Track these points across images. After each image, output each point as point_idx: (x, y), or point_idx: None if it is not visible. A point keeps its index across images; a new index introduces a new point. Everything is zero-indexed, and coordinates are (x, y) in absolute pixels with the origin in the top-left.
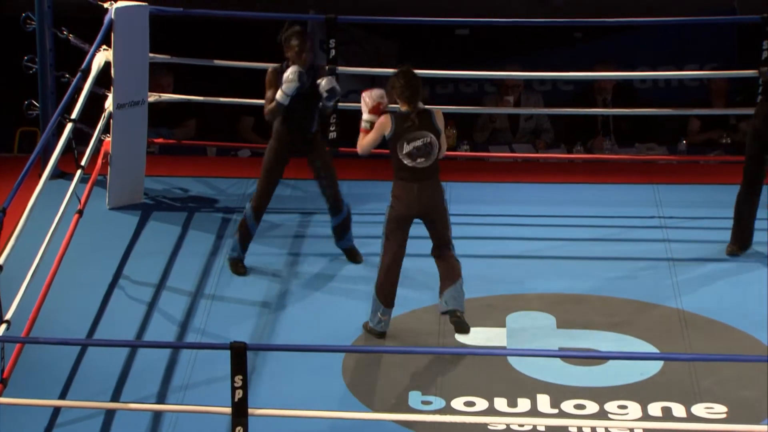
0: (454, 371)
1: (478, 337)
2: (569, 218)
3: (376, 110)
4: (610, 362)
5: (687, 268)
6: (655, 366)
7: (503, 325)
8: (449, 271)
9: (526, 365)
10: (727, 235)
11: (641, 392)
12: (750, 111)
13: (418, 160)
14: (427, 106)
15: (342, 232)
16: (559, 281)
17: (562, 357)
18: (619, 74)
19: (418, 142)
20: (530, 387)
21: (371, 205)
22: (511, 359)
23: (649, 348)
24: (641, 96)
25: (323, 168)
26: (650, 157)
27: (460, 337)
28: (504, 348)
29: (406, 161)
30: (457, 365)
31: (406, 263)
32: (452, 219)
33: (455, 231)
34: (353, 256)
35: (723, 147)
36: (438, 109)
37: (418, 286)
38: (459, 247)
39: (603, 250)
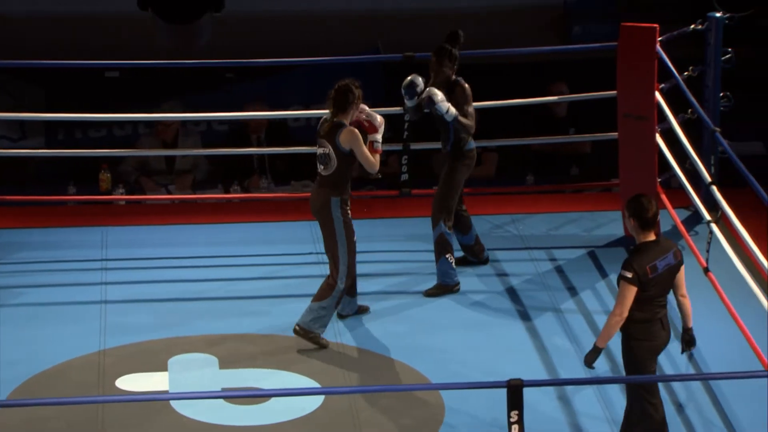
0: (118, 419)
1: (140, 382)
2: (229, 258)
3: (373, 129)
4: (273, 399)
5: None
6: (317, 401)
7: (165, 369)
8: (318, 291)
9: (189, 408)
10: (421, 268)
11: (304, 428)
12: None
13: (319, 166)
14: (343, 121)
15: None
16: (221, 321)
17: (224, 398)
18: (271, 113)
19: (320, 150)
20: (195, 430)
21: (24, 254)
22: (174, 403)
23: (310, 383)
24: (295, 134)
25: (441, 181)
26: (306, 195)
27: (121, 383)
28: (166, 392)
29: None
30: (121, 413)
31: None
32: (108, 264)
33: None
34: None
35: (374, 182)
36: (351, 128)
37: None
38: (112, 293)
39: (263, 288)
